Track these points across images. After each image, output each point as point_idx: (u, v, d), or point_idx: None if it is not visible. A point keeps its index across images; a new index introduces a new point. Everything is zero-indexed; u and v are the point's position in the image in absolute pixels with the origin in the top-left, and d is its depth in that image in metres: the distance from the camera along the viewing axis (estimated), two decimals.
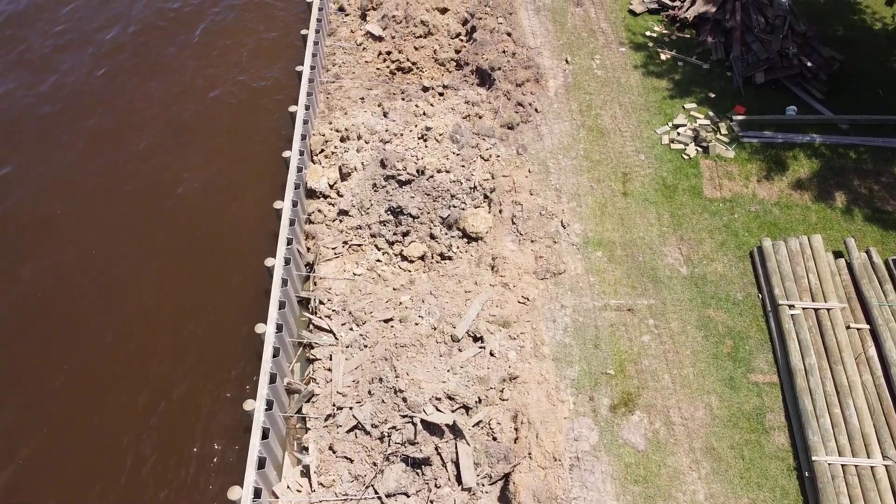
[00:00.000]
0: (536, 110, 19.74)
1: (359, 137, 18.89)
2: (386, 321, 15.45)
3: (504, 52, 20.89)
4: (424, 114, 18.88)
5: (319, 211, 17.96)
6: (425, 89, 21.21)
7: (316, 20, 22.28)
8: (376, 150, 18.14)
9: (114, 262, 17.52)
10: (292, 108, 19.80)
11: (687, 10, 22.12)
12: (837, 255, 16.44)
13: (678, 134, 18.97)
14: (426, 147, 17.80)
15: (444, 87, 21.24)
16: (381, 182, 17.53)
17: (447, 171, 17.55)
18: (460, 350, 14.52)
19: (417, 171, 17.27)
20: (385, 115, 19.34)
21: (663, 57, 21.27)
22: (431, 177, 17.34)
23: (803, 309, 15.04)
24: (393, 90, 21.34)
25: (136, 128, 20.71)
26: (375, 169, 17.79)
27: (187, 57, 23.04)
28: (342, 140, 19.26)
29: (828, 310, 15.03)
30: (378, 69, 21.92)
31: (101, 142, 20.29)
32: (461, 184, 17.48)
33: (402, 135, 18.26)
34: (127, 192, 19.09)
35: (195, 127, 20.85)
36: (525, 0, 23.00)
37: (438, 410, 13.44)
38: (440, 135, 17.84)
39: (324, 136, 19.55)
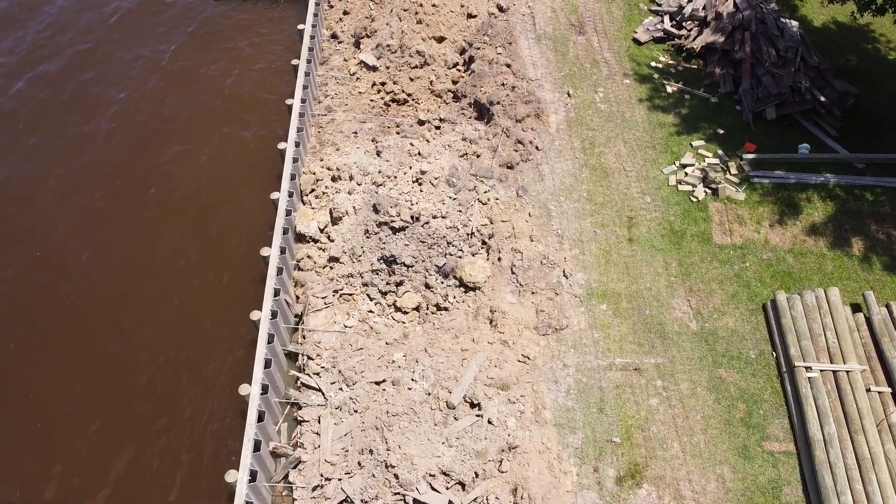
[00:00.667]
0: (537, 148, 18.85)
1: (350, 178, 18.02)
2: (378, 383, 14.55)
3: (503, 84, 20.00)
4: (419, 154, 17.99)
5: (309, 257, 17.08)
6: (421, 122, 20.35)
7: (307, 49, 21.40)
8: (369, 193, 17.26)
9: (89, 321, 16.66)
10: (281, 146, 18.92)
11: (694, 39, 21.23)
12: (856, 308, 15.56)
13: (686, 174, 18.08)
14: (421, 191, 16.92)
15: (441, 120, 20.38)
16: (374, 228, 16.64)
17: (443, 217, 16.66)
18: (456, 418, 13.62)
19: (412, 217, 16.39)
20: (378, 153, 18.47)
21: (669, 89, 20.39)
22: (427, 223, 16.45)
23: (821, 371, 14.14)
24: (387, 123, 20.48)
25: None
26: (368, 214, 16.91)
27: (166, 87, 22.18)
28: (333, 180, 18.40)
29: (847, 372, 14.14)
30: (372, 101, 21.05)
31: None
32: (458, 230, 16.60)
33: (395, 177, 17.38)
34: (109, 232, 18.23)
35: (175, 161, 19.96)
36: (525, 28, 22.12)
37: (433, 488, 12.54)
38: (436, 178, 16.96)
39: (314, 174, 18.69)
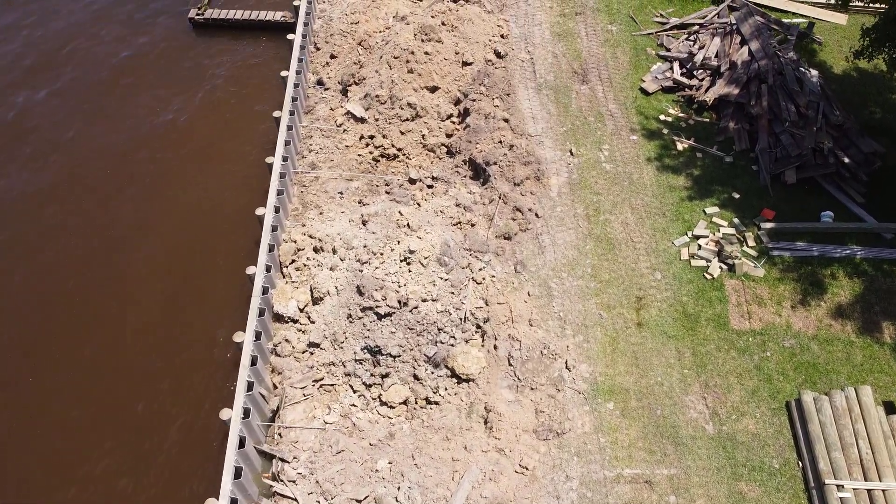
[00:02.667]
0: (537, 215, 17.35)
1: (334, 251, 16.52)
2: (359, 501, 13.04)
3: (500, 142, 18.51)
4: (408, 226, 16.48)
5: (287, 341, 15.57)
6: (412, 181, 18.86)
7: (290, 98, 19.91)
8: (352, 272, 15.76)
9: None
10: (259, 211, 17.44)
11: (706, 91, 19.72)
12: (889, 407, 14.06)
13: (699, 248, 16.58)
14: (409, 271, 15.42)
15: (434, 178, 18.90)
16: (358, 312, 15.14)
17: (434, 300, 15.18)
18: None
19: (399, 302, 14.89)
20: (364, 223, 16.97)
21: (680, 147, 18.89)
22: (415, 308, 14.96)
23: (854, 490, 12.63)
24: (376, 181, 18.99)
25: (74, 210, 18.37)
26: (351, 295, 15.41)
27: (140, 139, 20.69)
28: (316, 251, 16.91)
29: (883, 491, 12.63)
30: (360, 155, 19.55)
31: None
32: (450, 314, 15.11)
33: (381, 254, 15.88)
34: (72, 314, 16.73)
35: (140, 229, 18.47)
36: (524, 76, 20.62)
37: None
38: (426, 258, 15.46)
39: (295, 242, 17.20)
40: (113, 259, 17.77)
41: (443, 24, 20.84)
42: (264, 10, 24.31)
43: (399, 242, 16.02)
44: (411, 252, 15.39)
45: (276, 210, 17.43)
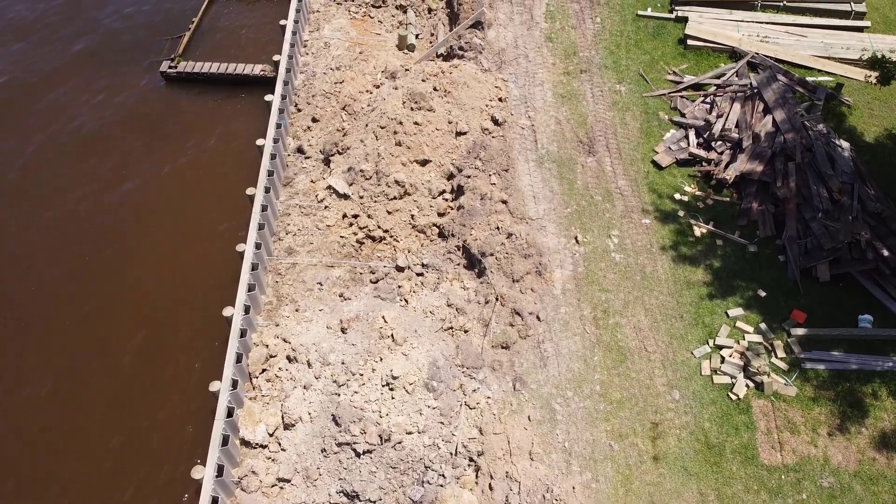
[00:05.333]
0: (538, 318, 15.41)
1: (309, 365, 14.61)
2: None
3: (498, 229, 16.60)
4: (392, 337, 14.56)
5: (254, 472, 13.64)
6: (400, 269, 16.95)
7: (266, 173, 17.99)
8: (328, 395, 13.85)
9: None
10: (227, 312, 15.53)
11: (725, 167, 17.79)
12: None
13: (722, 361, 14.65)
14: (392, 399, 13.50)
15: (424, 266, 17.00)
16: (333, 447, 13.24)
17: (420, 432, 13.28)
18: None
19: (380, 437, 12.99)
20: (343, 330, 15.05)
21: (698, 232, 16.95)
22: (399, 442, 13.06)
23: None
24: (360, 269, 17.09)
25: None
26: (326, 424, 13.51)
27: (96, 212, 18.78)
28: (290, 360, 14.99)
29: None
30: (342, 237, 17.63)
31: None
32: (439, 448, 13.21)
33: (361, 374, 13.96)
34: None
35: (101, 321, 16.58)
36: (525, 146, 18.68)
37: None
38: (411, 384, 13.54)
39: (268, 347, 15.30)
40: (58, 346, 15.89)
41: (434, 89, 18.91)
42: (242, 63, 22.38)
43: (381, 360, 14.11)
44: (395, 378, 13.47)
45: (247, 310, 15.52)
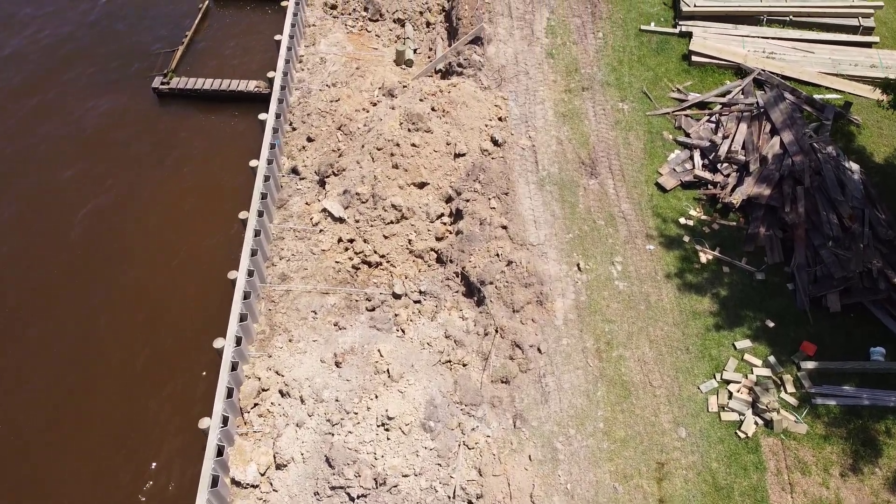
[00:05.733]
0: (539, 351, 14.91)
1: (302, 401, 14.12)
2: None
3: (498, 255, 16.10)
4: (388, 373, 14.06)
5: None
6: (396, 296, 16.44)
7: (260, 195, 17.48)
8: (321, 435, 13.35)
9: None
10: (218, 343, 15.01)
11: (732, 191, 17.28)
12: None
13: (730, 396, 14.15)
14: (388, 440, 13.00)
15: (421, 293, 16.50)
16: (327, 490, 12.74)
17: (417, 475, 12.78)
18: None
19: (375, 480, 12.49)
20: (338, 364, 14.55)
21: (703, 258, 16.45)
22: (395, 486, 12.56)
23: None
24: (355, 296, 16.57)
25: None
26: (319, 465, 13.01)
27: (82, 234, 18.27)
28: (282, 394, 14.50)
29: None
30: (338, 262, 17.11)
31: None
32: (436, 491, 12.72)
33: (356, 413, 13.46)
34: None
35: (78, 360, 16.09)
36: (525, 168, 18.18)
37: None
38: (407, 424, 13.04)
39: (259, 380, 14.81)
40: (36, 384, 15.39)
41: (432, 109, 18.40)
42: (236, 80, 21.87)
43: (377, 397, 13.61)
44: (390, 418, 12.97)
45: (238, 342, 15.03)
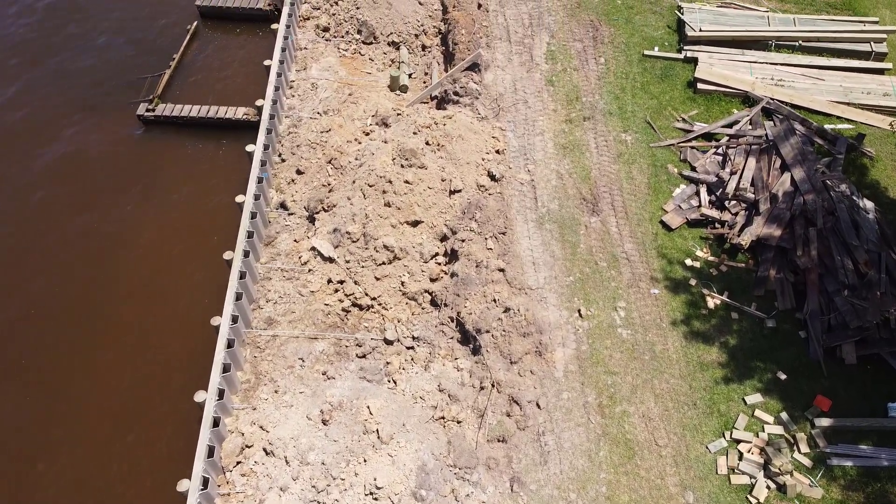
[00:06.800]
0: (538, 406, 14.11)
1: (286, 461, 13.32)
2: None
3: (495, 301, 15.30)
4: (378, 433, 13.26)
5: None
6: (388, 342, 15.66)
7: (246, 233, 16.71)
8: (305, 502, 12.54)
9: None
10: (199, 397, 14.22)
11: (740, 230, 16.48)
12: None
13: (740, 457, 13.35)
14: None
15: (414, 338, 15.72)
16: None
17: None
18: None
19: None
20: (325, 422, 13.75)
21: (711, 304, 15.65)
22: None
23: None
24: (345, 342, 15.79)
25: None
26: None
27: (56, 271, 17.47)
28: (266, 452, 13.70)
29: None
30: (327, 304, 16.33)
31: None
32: None
33: (343, 479, 12.66)
34: None
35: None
36: (524, 205, 17.39)
37: None
38: (396, 494, 12.24)
39: (243, 436, 14.03)
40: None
41: (427, 143, 17.62)
42: (225, 107, 21.07)
43: (365, 461, 12.82)
44: (378, 487, 12.17)
45: (221, 394, 14.24)
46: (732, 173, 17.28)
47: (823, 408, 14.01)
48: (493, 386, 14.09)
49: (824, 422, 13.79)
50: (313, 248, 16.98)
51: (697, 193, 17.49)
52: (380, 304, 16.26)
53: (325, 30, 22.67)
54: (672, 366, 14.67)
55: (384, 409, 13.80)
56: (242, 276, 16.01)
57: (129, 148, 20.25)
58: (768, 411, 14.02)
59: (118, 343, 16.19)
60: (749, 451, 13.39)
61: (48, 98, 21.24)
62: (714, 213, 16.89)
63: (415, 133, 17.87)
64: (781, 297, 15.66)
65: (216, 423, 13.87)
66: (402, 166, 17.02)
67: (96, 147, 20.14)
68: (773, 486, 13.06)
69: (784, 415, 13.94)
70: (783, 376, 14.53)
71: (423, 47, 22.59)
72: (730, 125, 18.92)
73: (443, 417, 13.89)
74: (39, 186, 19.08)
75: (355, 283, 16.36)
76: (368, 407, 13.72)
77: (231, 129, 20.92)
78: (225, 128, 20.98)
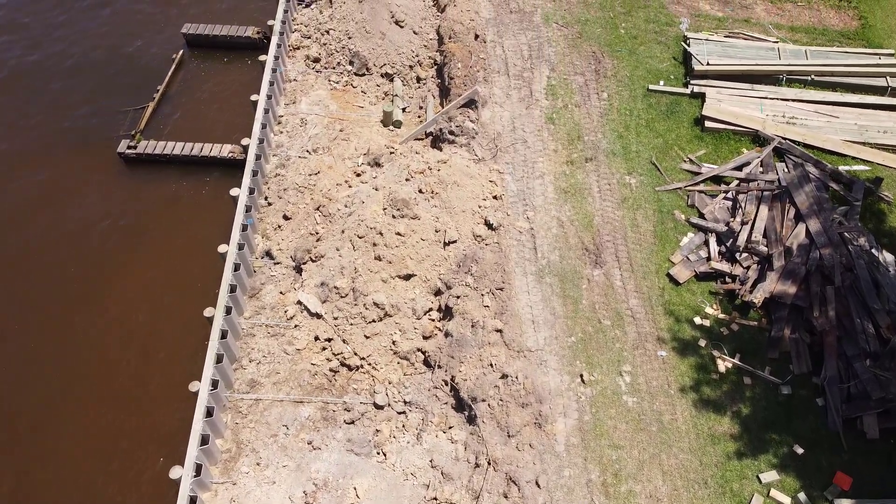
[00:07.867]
0: (538, 485, 13.15)
1: None
2: None
3: (492, 366, 14.35)
4: None
5: None
6: (379, 406, 14.71)
7: (228, 287, 15.73)
8: None
9: None
10: (175, 473, 13.26)
11: (752, 287, 15.53)
12: None
13: None
14: None
15: (406, 403, 14.78)
16: None
17: None
18: None
19: None
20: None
21: (722, 367, 14.71)
22: None
23: None
24: (333, 406, 14.84)
25: None
26: None
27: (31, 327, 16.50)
28: None
29: None
30: (314, 364, 15.39)
31: None
32: None
33: None
34: None
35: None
36: (523, 256, 16.43)
37: None
38: None
39: None
40: None
41: (420, 191, 16.68)
42: (210, 144, 20.09)
43: None
44: None
45: (198, 470, 13.28)
46: (744, 223, 16.33)
47: (844, 486, 13.07)
48: (489, 464, 13.14)
49: (845, 502, 12.83)
50: (300, 303, 16.03)
51: (706, 243, 16.54)
52: (370, 364, 15.32)
53: (316, 60, 21.69)
54: (681, 438, 13.72)
55: (372, 489, 12.85)
56: (224, 335, 15.06)
57: (107, 188, 19.24)
58: (785, 490, 13.07)
59: (85, 413, 15.19)
60: None
61: (20, 132, 20.24)
62: (724, 267, 15.93)
63: (407, 180, 16.92)
64: (797, 359, 14.71)
65: (192, 501, 12.93)
66: (394, 217, 16.07)
67: (71, 187, 19.12)
68: None
69: (802, 495, 12.98)
70: (800, 450, 13.59)
71: (418, 79, 21.60)
72: (740, 167, 17.97)
73: (435, 499, 12.94)
74: (4, 228, 18.11)
75: (344, 341, 15.42)
76: (355, 489, 12.79)
77: (217, 167, 19.95)
78: (210, 165, 20.01)
